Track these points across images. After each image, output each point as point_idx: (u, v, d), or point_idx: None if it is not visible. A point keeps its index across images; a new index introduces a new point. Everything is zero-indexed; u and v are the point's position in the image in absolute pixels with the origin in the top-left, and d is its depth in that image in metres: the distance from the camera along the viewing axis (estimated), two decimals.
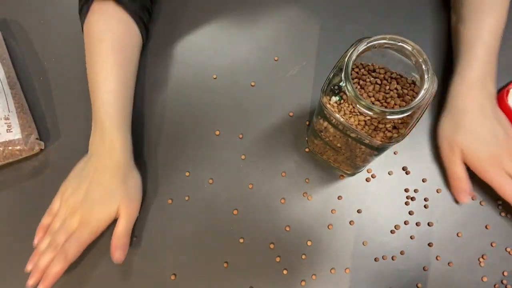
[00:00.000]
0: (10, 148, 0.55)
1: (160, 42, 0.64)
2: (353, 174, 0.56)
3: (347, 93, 0.37)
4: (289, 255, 0.54)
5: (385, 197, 0.56)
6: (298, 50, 0.62)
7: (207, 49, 0.63)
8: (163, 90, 0.61)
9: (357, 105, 0.37)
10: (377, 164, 0.57)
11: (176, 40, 0.61)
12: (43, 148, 0.58)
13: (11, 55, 0.62)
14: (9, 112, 0.56)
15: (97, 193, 0.50)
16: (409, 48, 0.38)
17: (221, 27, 0.64)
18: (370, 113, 0.37)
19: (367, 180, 0.57)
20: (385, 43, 0.38)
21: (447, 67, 0.61)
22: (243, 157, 0.58)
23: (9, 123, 0.56)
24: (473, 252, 0.54)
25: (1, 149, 0.55)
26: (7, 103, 0.57)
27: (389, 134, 0.39)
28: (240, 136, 0.59)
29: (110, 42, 0.53)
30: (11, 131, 0.56)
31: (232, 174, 0.57)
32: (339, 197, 0.56)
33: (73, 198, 0.51)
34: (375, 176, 0.57)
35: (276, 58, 0.62)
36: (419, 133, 0.58)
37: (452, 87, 0.55)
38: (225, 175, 0.57)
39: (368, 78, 0.40)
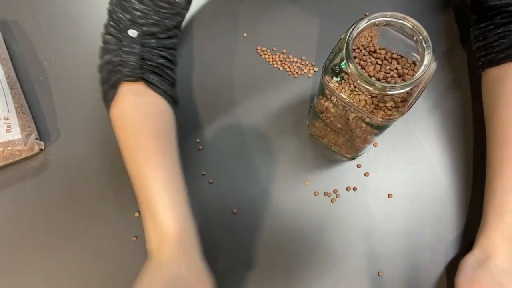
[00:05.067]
0: (10, 148, 0.55)
1: None
2: (353, 158, 0.56)
3: (349, 70, 0.37)
4: (290, 253, 0.53)
5: (385, 196, 0.55)
6: (298, 48, 0.62)
7: (207, 49, 0.63)
8: None
9: (358, 81, 0.37)
10: (377, 163, 0.57)
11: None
12: (43, 148, 0.58)
13: (11, 55, 0.62)
14: (8, 112, 0.56)
15: None
16: (410, 25, 0.38)
17: (220, 27, 0.64)
18: (371, 88, 0.36)
19: (366, 175, 0.56)
20: (386, 20, 0.38)
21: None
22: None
23: (9, 123, 0.56)
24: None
25: (1, 149, 0.55)
26: (7, 103, 0.57)
27: (389, 112, 0.39)
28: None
29: (148, 128, 0.49)
30: (11, 131, 0.56)
31: (232, 161, 0.57)
32: (335, 190, 0.56)
33: None
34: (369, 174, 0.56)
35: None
36: (419, 132, 0.58)
37: (481, 236, 0.48)
38: (223, 167, 0.57)
39: (369, 58, 0.40)
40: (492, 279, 0.44)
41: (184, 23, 0.64)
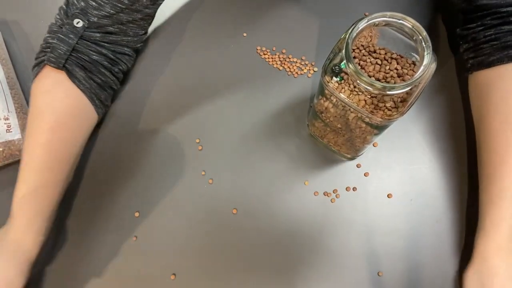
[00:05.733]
0: (10, 148, 0.55)
1: (161, 44, 0.64)
2: (352, 158, 0.56)
3: (348, 70, 0.37)
4: (290, 253, 0.53)
5: (384, 196, 0.55)
6: (298, 48, 0.62)
7: (207, 49, 0.63)
8: (163, 84, 0.61)
9: (358, 81, 0.36)
10: (377, 163, 0.57)
11: (176, 41, 0.61)
12: None
13: (11, 55, 0.62)
14: (8, 112, 0.56)
15: None
16: (409, 25, 0.38)
17: (220, 27, 0.64)
18: (370, 89, 0.36)
19: (365, 175, 0.56)
20: (385, 20, 0.38)
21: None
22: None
23: (9, 123, 0.56)
24: None
25: (1, 149, 0.55)
26: (7, 104, 0.57)
27: (389, 112, 0.39)
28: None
29: (49, 118, 0.49)
30: (11, 131, 0.56)
31: (232, 161, 0.57)
32: (335, 190, 0.56)
33: None
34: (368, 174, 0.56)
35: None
36: (419, 132, 0.58)
37: (479, 244, 0.47)
38: (223, 167, 0.57)
39: (369, 58, 0.40)
40: None
41: (183, 23, 0.64)
